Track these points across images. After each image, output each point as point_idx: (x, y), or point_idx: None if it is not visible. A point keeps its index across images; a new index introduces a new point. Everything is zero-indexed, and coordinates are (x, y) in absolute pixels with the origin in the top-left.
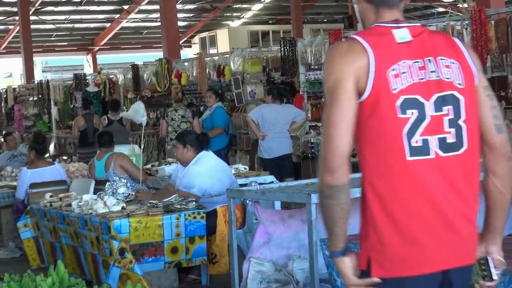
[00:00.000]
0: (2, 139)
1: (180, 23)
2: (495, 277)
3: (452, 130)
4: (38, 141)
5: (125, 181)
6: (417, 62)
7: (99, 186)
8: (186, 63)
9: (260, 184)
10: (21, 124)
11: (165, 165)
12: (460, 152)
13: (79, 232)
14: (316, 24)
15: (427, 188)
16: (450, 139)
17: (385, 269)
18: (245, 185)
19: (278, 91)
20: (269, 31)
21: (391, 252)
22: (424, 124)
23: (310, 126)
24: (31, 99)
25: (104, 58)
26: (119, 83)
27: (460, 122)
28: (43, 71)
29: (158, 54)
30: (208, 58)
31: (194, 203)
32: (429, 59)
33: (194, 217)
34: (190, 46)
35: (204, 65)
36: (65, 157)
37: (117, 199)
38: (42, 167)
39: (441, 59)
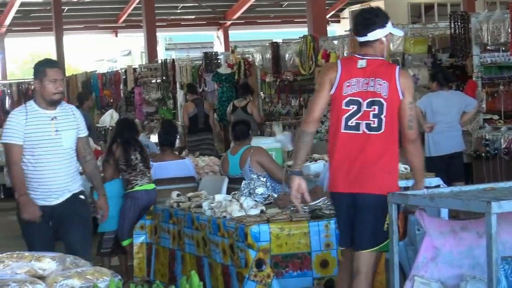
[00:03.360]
0: None
1: None
2: None
3: (375, 119)
4: (166, 130)
5: (264, 180)
6: (366, 79)
7: (234, 184)
8: (335, 41)
9: (424, 187)
10: (141, 110)
11: (310, 162)
12: (379, 132)
13: (208, 238)
14: None
15: (351, 147)
16: (373, 124)
17: (328, 187)
18: (406, 188)
19: (444, 75)
20: (433, 4)
21: (330, 179)
22: (359, 114)
23: (484, 120)
24: (153, 81)
25: (237, 34)
26: (256, 64)
27: (382, 116)
28: (166, 49)
29: (301, 30)
30: None
31: None
32: (372, 79)
33: None
34: (339, 21)
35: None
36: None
37: (255, 200)
38: (168, 161)
39: (378, 79)
